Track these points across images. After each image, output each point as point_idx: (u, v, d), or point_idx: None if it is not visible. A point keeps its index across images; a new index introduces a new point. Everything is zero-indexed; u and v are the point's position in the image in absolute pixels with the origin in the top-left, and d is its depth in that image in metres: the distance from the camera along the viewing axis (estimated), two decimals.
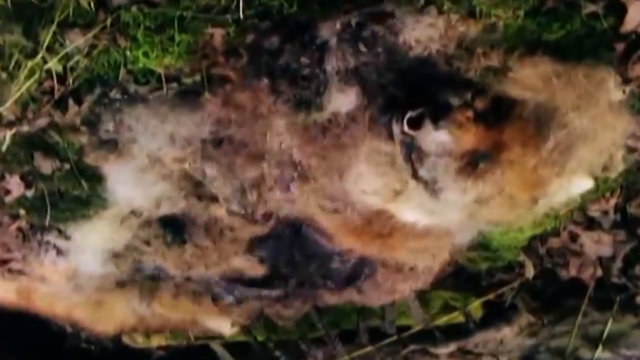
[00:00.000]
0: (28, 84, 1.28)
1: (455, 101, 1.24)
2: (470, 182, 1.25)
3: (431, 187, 1.28)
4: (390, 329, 1.91)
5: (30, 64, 1.29)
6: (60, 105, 1.41)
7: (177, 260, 1.64)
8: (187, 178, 1.48)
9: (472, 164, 1.25)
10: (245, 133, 1.38)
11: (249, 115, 1.35)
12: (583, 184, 1.34)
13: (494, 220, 1.38)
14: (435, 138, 1.24)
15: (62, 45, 1.31)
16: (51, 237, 1.70)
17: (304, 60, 1.26)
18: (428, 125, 1.23)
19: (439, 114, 1.23)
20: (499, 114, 1.25)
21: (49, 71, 1.36)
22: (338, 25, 1.25)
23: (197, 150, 1.41)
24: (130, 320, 1.80)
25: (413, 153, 1.26)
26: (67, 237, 1.68)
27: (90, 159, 1.47)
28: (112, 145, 1.43)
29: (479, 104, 1.25)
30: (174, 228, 1.62)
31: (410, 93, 1.26)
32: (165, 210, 1.54)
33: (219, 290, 1.71)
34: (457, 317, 1.90)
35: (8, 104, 1.32)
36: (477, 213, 1.31)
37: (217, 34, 1.29)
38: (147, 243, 1.65)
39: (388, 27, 1.24)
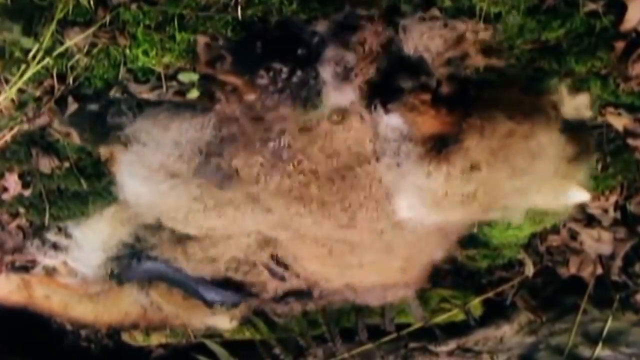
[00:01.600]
0: (23, 79, 1.28)
1: (407, 85, 1.23)
2: (433, 165, 1.24)
3: (396, 172, 1.28)
4: (390, 327, 1.92)
5: (29, 61, 1.29)
6: (60, 104, 1.42)
7: (180, 255, 1.65)
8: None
9: (438, 148, 1.24)
10: (245, 132, 1.38)
11: (250, 115, 1.36)
12: (579, 196, 1.33)
13: (480, 209, 1.35)
14: (388, 122, 1.23)
15: (61, 43, 1.31)
16: (51, 235, 1.71)
17: (300, 58, 1.27)
18: (379, 110, 1.22)
19: (390, 98, 1.23)
20: (466, 98, 1.24)
21: (49, 70, 1.36)
22: (334, 25, 1.25)
23: (200, 151, 1.41)
24: (133, 313, 1.80)
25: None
26: (68, 235, 1.68)
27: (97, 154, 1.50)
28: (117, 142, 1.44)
29: (445, 89, 1.24)
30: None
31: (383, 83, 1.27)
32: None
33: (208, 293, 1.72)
34: (456, 315, 1.90)
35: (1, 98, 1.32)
36: (462, 203, 1.29)
37: (201, 41, 1.29)
38: (147, 238, 1.66)
39: (383, 30, 1.25)
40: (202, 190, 1.48)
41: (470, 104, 1.24)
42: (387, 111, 1.22)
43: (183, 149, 1.41)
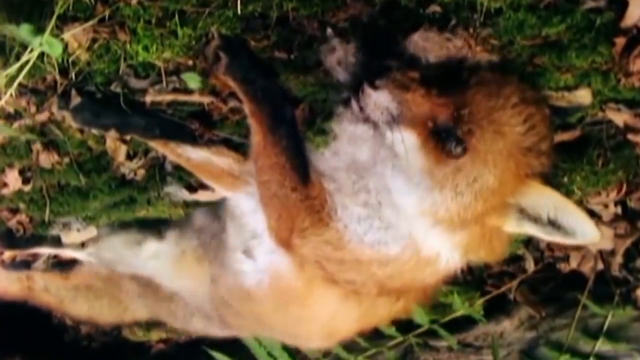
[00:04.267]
0: (22, 74, 1.28)
1: (393, 63, 1.21)
2: (430, 153, 1.22)
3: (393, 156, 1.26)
4: None
5: (29, 56, 1.29)
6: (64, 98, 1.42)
7: None
8: None
9: (434, 135, 1.21)
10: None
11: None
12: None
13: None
14: (376, 100, 1.20)
15: (61, 38, 1.30)
16: (53, 231, 1.71)
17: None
18: (367, 89, 1.19)
19: (377, 75, 1.20)
20: (459, 81, 1.21)
21: (51, 65, 1.36)
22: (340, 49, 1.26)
23: None
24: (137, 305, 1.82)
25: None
26: (76, 230, 1.70)
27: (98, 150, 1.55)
28: None
29: (435, 71, 1.22)
30: None
31: None
32: None
33: None
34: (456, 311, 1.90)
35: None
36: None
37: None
38: None
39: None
40: None
41: (463, 87, 1.21)
42: (375, 88, 1.18)
43: None
